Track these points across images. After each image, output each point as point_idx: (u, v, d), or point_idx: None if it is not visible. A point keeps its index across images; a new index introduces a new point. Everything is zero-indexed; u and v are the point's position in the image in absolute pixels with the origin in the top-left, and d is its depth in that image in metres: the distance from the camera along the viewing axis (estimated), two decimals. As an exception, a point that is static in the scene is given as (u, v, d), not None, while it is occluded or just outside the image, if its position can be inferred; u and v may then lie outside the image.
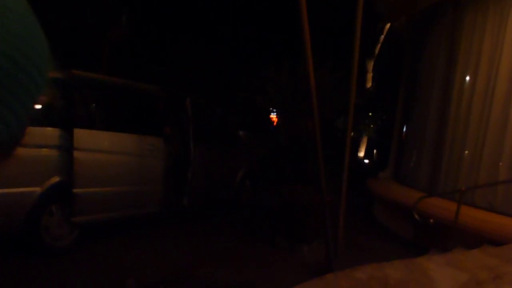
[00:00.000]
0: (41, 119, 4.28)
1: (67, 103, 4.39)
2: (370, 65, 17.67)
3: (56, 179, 4.30)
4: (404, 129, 8.42)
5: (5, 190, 3.91)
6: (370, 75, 17.74)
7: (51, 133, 4.28)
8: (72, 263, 4.29)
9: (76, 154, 4.28)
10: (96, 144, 4.58)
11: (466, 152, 6.14)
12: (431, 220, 4.97)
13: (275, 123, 16.32)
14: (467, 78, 6.31)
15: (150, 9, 14.22)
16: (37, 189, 4.16)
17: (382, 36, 17.14)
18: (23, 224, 4.13)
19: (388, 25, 16.32)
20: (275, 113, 16.24)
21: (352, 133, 16.22)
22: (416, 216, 4.97)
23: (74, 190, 4.32)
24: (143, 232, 5.56)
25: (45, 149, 4.24)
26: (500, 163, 5.62)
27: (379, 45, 17.45)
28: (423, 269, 3.55)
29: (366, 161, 17.33)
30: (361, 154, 17.62)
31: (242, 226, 6.42)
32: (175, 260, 4.66)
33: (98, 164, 4.59)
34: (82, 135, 4.39)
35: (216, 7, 14.81)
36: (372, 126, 16.69)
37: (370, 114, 16.38)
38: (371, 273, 3.51)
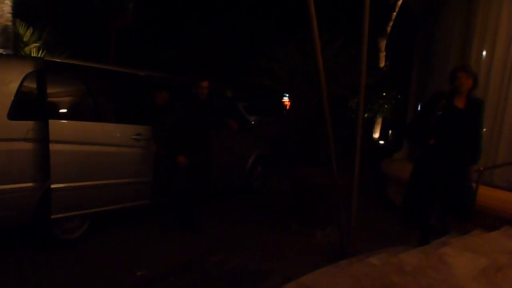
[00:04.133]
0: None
1: (42, 93, 4.00)
2: (383, 44, 17.33)
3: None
4: (419, 108, 8.16)
5: (7, 186, 3.83)
6: (383, 54, 17.42)
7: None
8: (82, 255, 4.25)
9: (52, 147, 3.95)
10: (73, 136, 4.20)
11: (484, 130, 5.91)
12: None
13: (287, 107, 16.17)
14: (484, 53, 6.07)
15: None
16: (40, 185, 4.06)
17: (394, 14, 16.76)
18: (32, 219, 4.09)
19: (400, 1, 15.90)
20: (287, 97, 16.09)
21: (366, 114, 16.06)
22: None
23: (52, 186, 3.99)
24: (152, 222, 5.51)
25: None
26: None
27: (391, 23, 17.07)
28: (439, 254, 3.41)
29: (382, 142, 17.06)
30: (376, 135, 17.36)
31: (254, 211, 6.33)
32: (187, 249, 4.59)
33: (75, 157, 4.21)
34: (57, 127, 4.04)
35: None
36: (386, 106, 16.39)
37: (384, 94, 16.08)
38: (386, 259, 3.39)
